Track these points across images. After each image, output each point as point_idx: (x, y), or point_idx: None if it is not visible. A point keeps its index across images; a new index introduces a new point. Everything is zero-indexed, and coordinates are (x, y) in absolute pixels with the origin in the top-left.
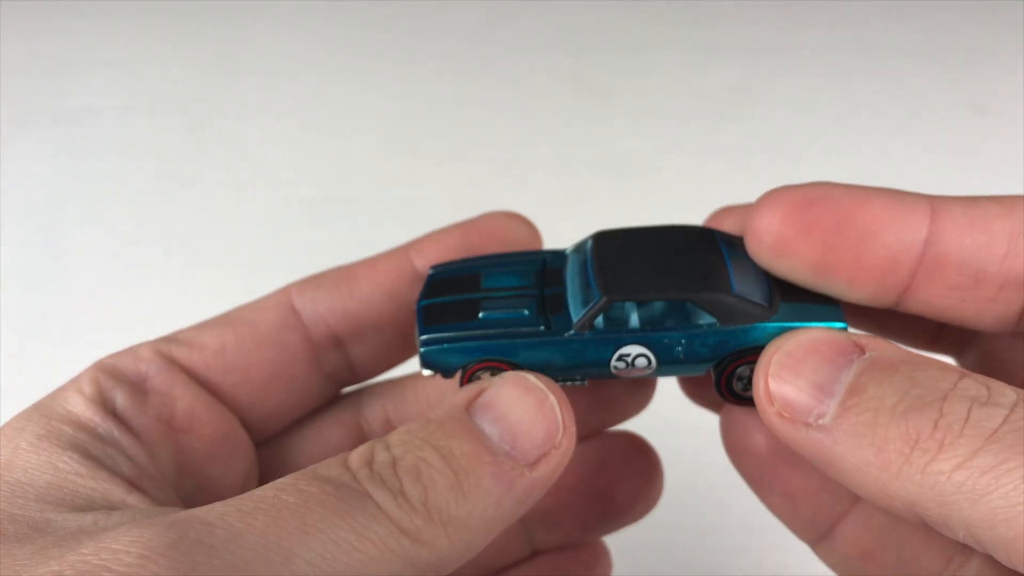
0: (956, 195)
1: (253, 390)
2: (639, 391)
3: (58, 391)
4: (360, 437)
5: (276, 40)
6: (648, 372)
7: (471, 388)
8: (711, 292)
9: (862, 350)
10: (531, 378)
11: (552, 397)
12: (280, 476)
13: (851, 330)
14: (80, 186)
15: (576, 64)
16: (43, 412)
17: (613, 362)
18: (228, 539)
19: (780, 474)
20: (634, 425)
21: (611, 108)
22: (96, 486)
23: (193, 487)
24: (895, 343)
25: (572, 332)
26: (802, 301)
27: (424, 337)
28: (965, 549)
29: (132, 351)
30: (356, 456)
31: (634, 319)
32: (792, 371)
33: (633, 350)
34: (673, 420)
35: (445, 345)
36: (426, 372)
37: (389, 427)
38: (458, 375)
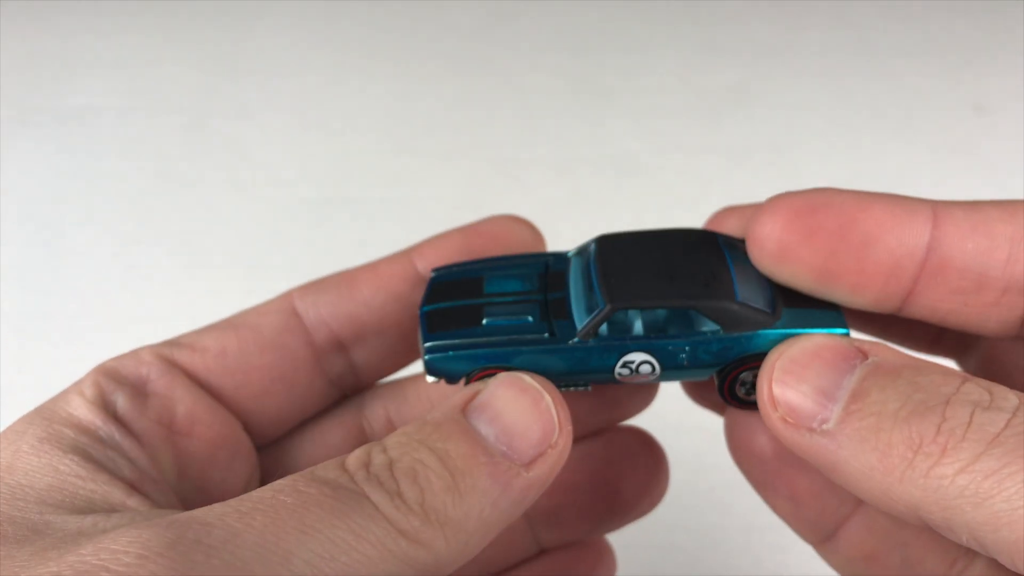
0: (958, 199)
1: (255, 393)
2: (642, 390)
3: (60, 395)
4: (362, 439)
5: (276, 40)
6: (652, 378)
7: (467, 390)
8: (715, 300)
9: (865, 355)
10: (526, 378)
11: (548, 397)
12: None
13: (853, 335)
14: (80, 186)
15: (576, 64)
16: (45, 415)
17: (617, 369)
18: (226, 539)
19: (784, 476)
20: (636, 425)
21: (611, 108)
22: (96, 488)
23: (194, 490)
24: (897, 348)
25: (576, 340)
26: (804, 307)
27: (428, 344)
28: (969, 552)
29: (134, 354)
30: (353, 458)
31: (638, 326)
32: (796, 376)
33: (637, 357)
34: (674, 421)
35: (450, 353)
36: (430, 378)
37: (391, 428)
38: (462, 382)
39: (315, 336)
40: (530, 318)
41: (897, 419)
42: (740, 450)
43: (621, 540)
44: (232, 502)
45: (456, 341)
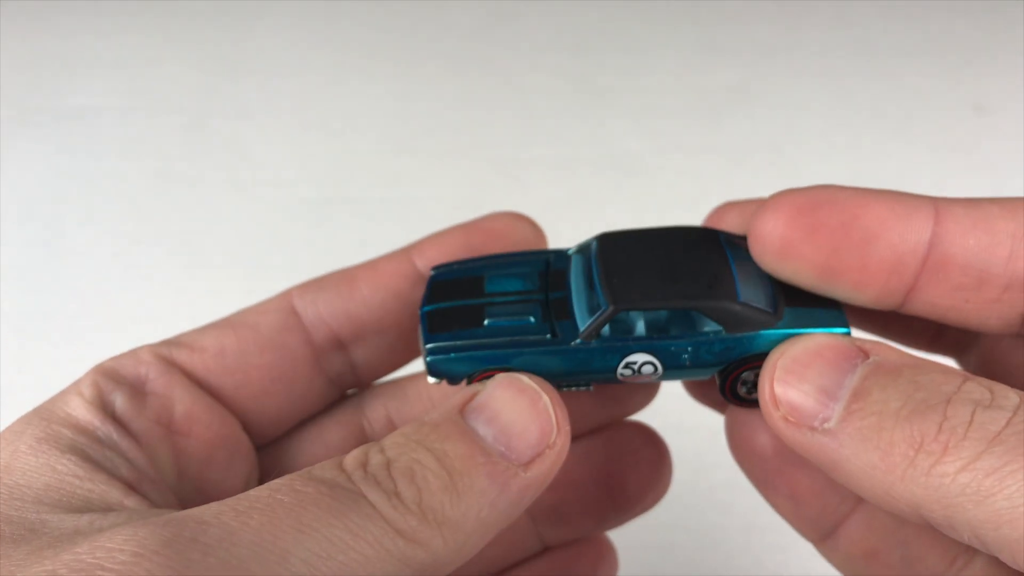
0: (959, 197)
1: (254, 393)
2: (644, 387)
3: (59, 395)
4: (362, 438)
5: (276, 40)
6: (654, 378)
7: (466, 391)
8: (717, 300)
9: (866, 355)
10: (524, 379)
11: (545, 397)
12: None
13: (854, 334)
14: (80, 186)
15: (576, 64)
16: (43, 415)
17: (620, 370)
18: (223, 538)
19: (785, 474)
20: (638, 420)
21: (611, 108)
22: (94, 488)
23: (193, 489)
24: (897, 347)
25: (579, 341)
26: (806, 306)
27: (430, 346)
28: (969, 549)
29: (133, 354)
30: (351, 458)
31: (640, 326)
32: (797, 376)
33: (640, 358)
34: (675, 420)
35: (452, 355)
36: (432, 380)
37: (391, 428)
38: (464, 383)
39: (314, 335)
40: (532, 319)
41: (899, 418)
42: (741, 448)
43: (622, 540)
44: (229, 501)
45: (458, 342)
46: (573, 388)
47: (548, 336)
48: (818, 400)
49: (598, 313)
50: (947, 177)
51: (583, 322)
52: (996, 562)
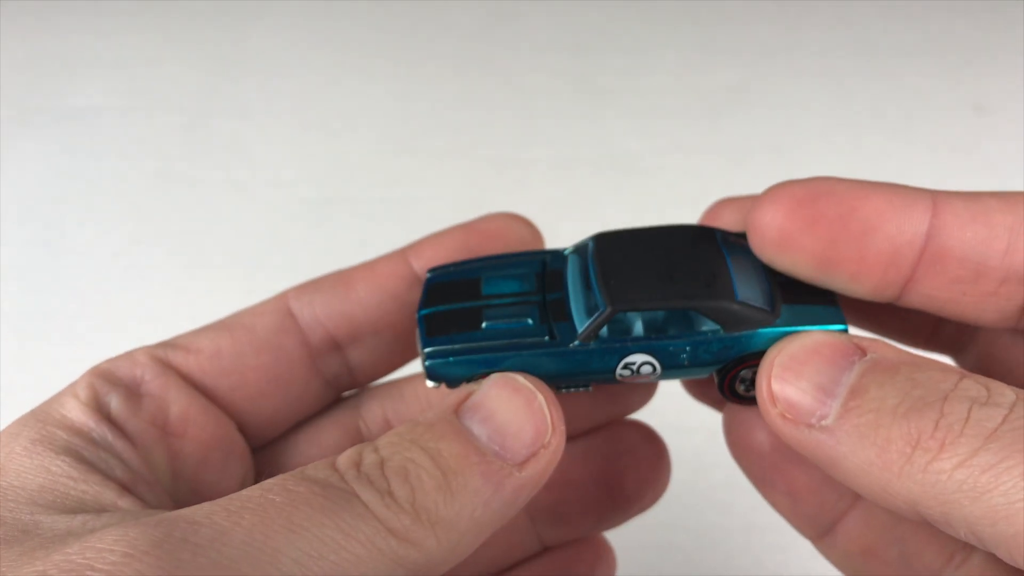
0: (957, 190)
1: (250, 394)
2: (642, 386)
3: (54, 397)
4: (358, 440)
5: (276, 40)
6: (653, 378)
7: (461, 391)
8: (716, 300)
9: (863, 352)
10: (519, 378)
11: (540, 396)
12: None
13: (851, 331)
14: (80, 186)
15: (576, 64)
16: (38, 417)
17: (618, 370)
18: (214, 537)
19: (783, 471)
20: (636, 419)
21: (611, 108)
22: (88, 489)
23: (188, 491)
24: (895, 344)
25: (577, 343)
26: (803, 303)
27: (428, 350)
28: (966, 546)
29: (128, 355)
30: (344, 457)
31: (638, 327)
32: (795, 373)
33: (638, 358)
34: (674, 420)
35: (451, 358)
36: (431, 384)
37: (388, 429)
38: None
39: (310, 336)
40: (530, 320)
41: (896, 415)
42: (738, 446)
43: (621, 540)
44: (221, 501)
45: (456, 346)
46: (572, 389)
47: (546, 338)
48: (815, 397)
49: (596, 314)
50: (947, 177)
51: (581, 323)
52: (993, 558)
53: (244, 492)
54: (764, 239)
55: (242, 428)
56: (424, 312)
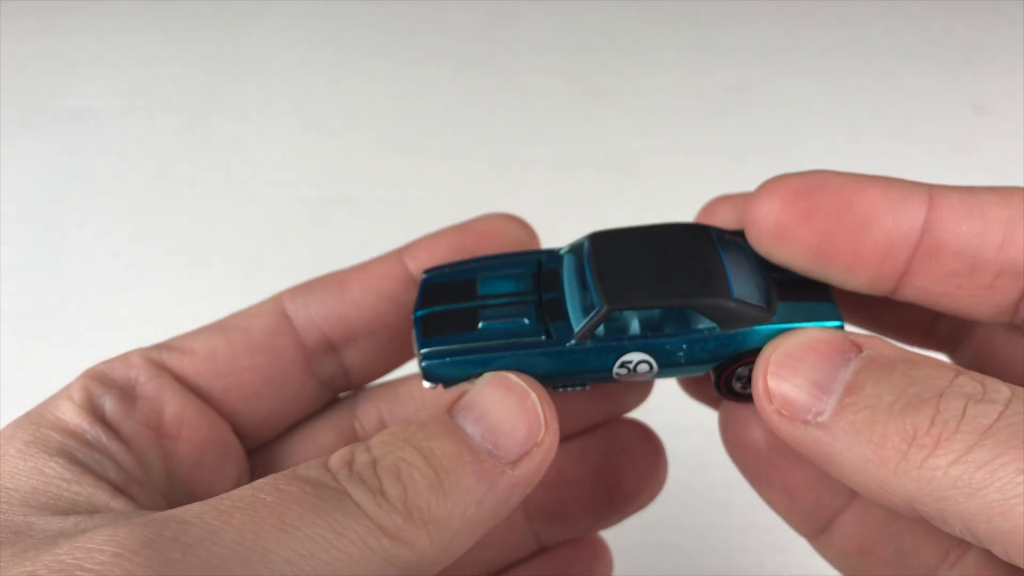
0: (953, 184)
1: (244, 396)
2: (638, 385)
3: (49, 399)
4: (353, 440)
5: (276, 40)
6: (649, 376)
7: (454, 390)
8: (712, 298)
9: (859, 349)
10: (512, 377)
11: (533, 395)
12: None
13: (848, 328)
14: (80, 186)
15: (576, 64)
16: (33, 420)
17: (615, 369)
18: (204, 537)
19: (779, 469)
20: (632, 417)
21: (611, 108)
22: (81, 491)
23: (182, 492)
24: (890, 341)
25: (573, 342)
26: (799, 300)
27: (425, 351)
28: (962, 543)
29: (123, 357)
30: (336, 457)
31: (634, 325)
32: (791, 370)
33: (635, 357)
34: (671, 420)
35: (448, 359)
36: (428, 385)
37: (383, 429)
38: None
39: (305, 338)
40: (526, 320)
41: (892, 412)
42: (734, 443)
43: (619, 540)
44: (211, 500)
45: (453, 347)
46: (569, 389)
47: (543, 338)
48: (811, 394)
49: (592, 314)
50: (947, 177)
51: (577, 323)
52: (988, 555)
53: (235, 492)
54: (761, 231)
55: (237, 429)
56: (420, 313)
